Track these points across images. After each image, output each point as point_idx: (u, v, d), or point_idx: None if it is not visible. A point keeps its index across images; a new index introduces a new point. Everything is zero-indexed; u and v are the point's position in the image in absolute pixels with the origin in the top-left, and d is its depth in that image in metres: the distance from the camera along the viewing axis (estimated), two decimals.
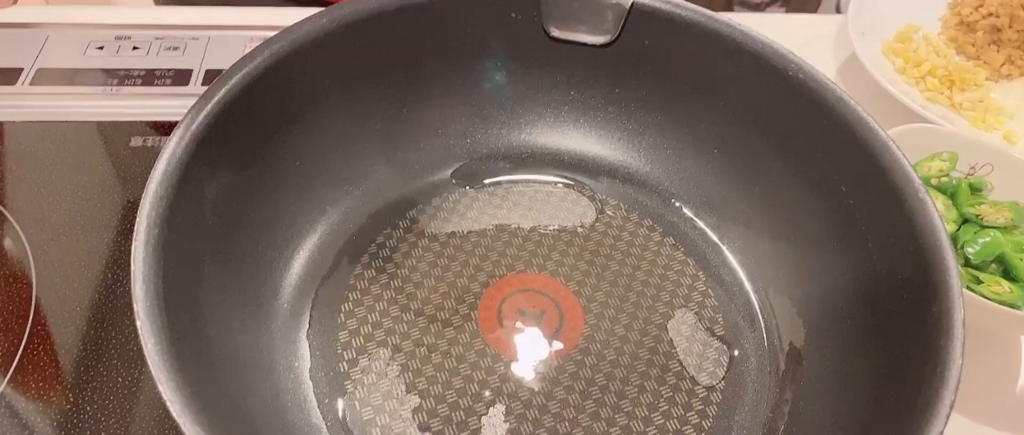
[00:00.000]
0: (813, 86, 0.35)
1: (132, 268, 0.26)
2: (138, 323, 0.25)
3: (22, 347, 0.36)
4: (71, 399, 0.35)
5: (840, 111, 0.35)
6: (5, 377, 0.35)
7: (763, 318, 0.38)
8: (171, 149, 0.29)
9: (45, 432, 0.34)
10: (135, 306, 0.25)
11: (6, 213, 0.41)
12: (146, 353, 0.24)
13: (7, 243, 0.40)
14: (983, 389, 0.40)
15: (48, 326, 0.37)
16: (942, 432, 0.26)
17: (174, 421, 0.23)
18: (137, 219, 0.27)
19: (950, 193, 0.43)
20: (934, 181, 0.43)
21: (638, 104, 0.42)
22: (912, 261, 0.31)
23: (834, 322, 0.35)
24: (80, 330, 0.37)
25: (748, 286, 0.39)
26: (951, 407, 0.26)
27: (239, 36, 0.53)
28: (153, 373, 0.24)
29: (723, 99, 0.39)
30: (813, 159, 0.37)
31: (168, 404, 0.23)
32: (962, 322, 0.28)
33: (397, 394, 0.34)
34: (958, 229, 0.41)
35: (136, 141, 0.46)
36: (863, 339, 0.33)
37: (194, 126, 0.30)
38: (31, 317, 0.37)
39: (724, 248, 0.41)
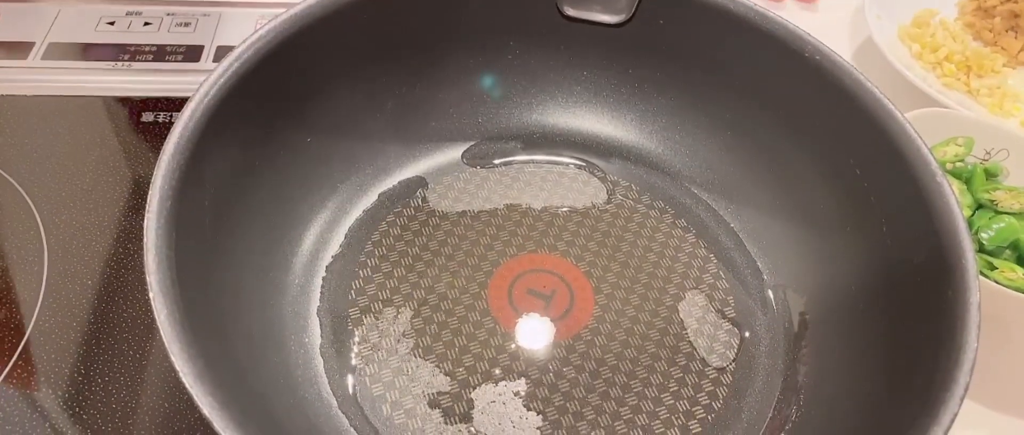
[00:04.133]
0: (830, 68, 0.35)
1: (145, 240, 0.26)
2: (150, 294, 0.25)
3: (33, 320, 0.36)
4: (82, 371, 0.35)
5: (857, 94, 0.34)
6: (17, 349, 0.35)
7: (774, 300, 0.38)
8: (183, 123, 0.29)
9: (57, 404, 0.34)
10: (148, 278, 0.25)
11: (17, 186, 0.41)
12: (159, 324, 0.24)
13: (19, 217, 0.40)
14: (996, 375, 0.40)
15: (60, 299, 0.37)
16: (956, 415, 0.25)
17: (184, 393, 0.23)
18: (150, 192, 0.27)
19: (965, 178, 0.42)
20: (949, 166, 0.43)
21: (651, 85, 0.42)
22: (928, 245, 0.31)
23: (847, 305, 0.35)
24: (91, 303, 0.37)
25: (760, 268, 0.39)
26: (965, 390, 0.26)
27: (250, 13, 0.53)
28: (165, 344, 0.24)
29: (738, 81, 0.39)
30: (828, 142, 0.36)
31: (180, 375, 0.23)
32: (978, 306, 0.28)
33: (407, 371, 0.34)
34: (973, 214, 0.41)
35: (147, 116, 0.46)
36: (876, 322, 0.32)
37: (206, 100, 0.30)
38: (42, 290, 0.37)
39: (736, 230, 0.41)
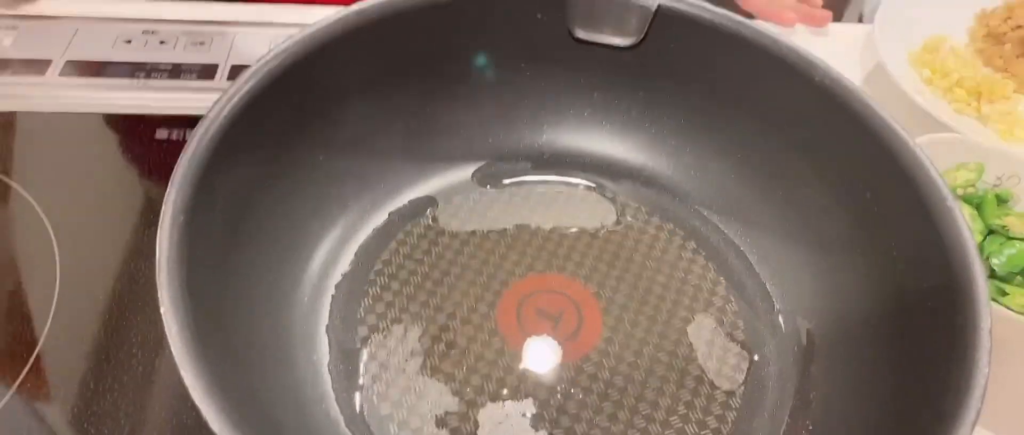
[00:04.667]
0: (840, 92, 0.35)
1: (157, 255, 0.26)
2: (162, 309, 0.25)
3: (45, 333, 0.37)
4: (92, 386, 0.35)
5: (867, 118, 0.34)
6: (28, 362, 0.36)
7: (784, 324, 0.38)
8: (197, 140, 0.29)
9: (66, 416, 0.34)
10: (160, 292, 0.25)
11: (32, 201, 0.42)
12: (169, 339, 0.24)
13: (33, 232, 0.41)
14: (1005, 402, 0.39)
15: (71, 314, 0.37)
16: None
17: (192, 408, 0.23)
18: (163, 207, 0.27)
19: (976, 204, 0.42)
20: (960, 191, 0.43)
21: (661, 107, 0.42)
22: (938, 270, 0.30)
23: (857, 329, 0.35)
24: (102, 318, 0.37)
25: (769, 291, 0.39)
26: (977, 416, 0.26)
27: (264, 32, 0.53)
28: (176, 359, 0.24)
29: (748, 104, 0.39)
30: (839, 166, 0.36)
31: (190, 390, 0.23)
32: (989, 331, 0.28)
33: (415, 390, 0.34)
34: (984, 240, 0.41)
35: (161, 133, 0.46)
36: (887, 347, 0.32)
37: (220, 118, 0.30)
38: (54, 304, 0.38)
39: (746, 253, 0.41)
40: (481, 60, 0.41)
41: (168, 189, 0.28)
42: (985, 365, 0.27)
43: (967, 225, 0.31)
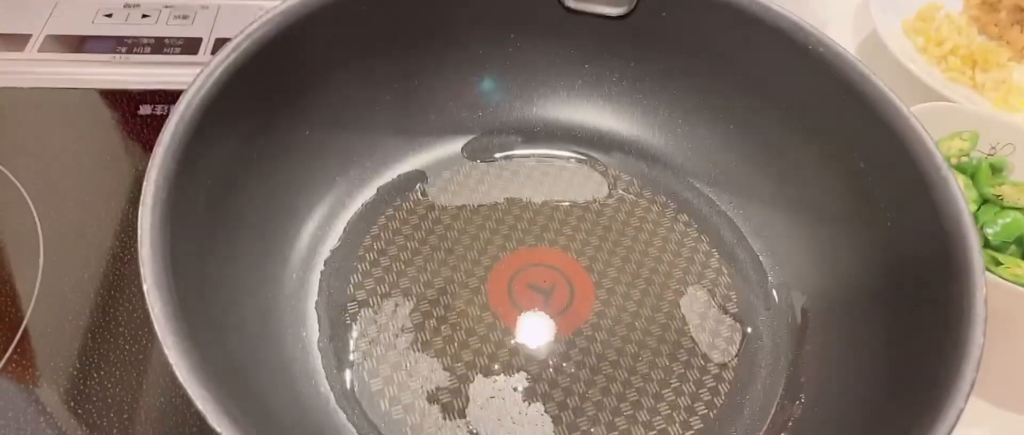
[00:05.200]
0: (834, 61, 0.35)
1: (139, 232, 0.25)
2: (145, 287, 0.24)
3: (29, 314, 0.36)
4: (78, 366, 0.35)
5: (862, 87, 0.34)
6: (11, 345, 0.35)
7: (777, 296, 0.38)
8: (179, 114, 0.29)
9: (52, 399, 0.34)
10: (142, 270, 0.25)
11: (13, 179, 0.41)
12: (153, 317, 0.24)
13: (15, 210, 0.40)
14: (998, 371, 0.39)
15: (56, 293, 0.37)
16: (962, 411, 0.25)
17: (181, 388, 0.22)
18: (144, 183, 0.27)
19: (970, 173, 0.42)
20: (954, 160, 0.42)
21: (654, 78, 0.41)
22: (933, 239, 0.30)
23: (850, 301, 0.34)
24: (88, 297, 0.37)
25: (763, 263, 0.39)
26: (972, 386, 0.25)
27: (248, 5, 0.52)
28: (160, 337, 0.23)
29: (741, 74, 0.38)
30: (832, 135, 0.36)
31: (174, 368, 0.23)
32: (984, 301, 0.28)
33: (406, 366, 0.34)
34: (978, 209, 0.41)
35: (145, 109, 0.46)
36: (881, 318, 0.32)
37: (203, 91, 0.30)
38: (38, 283, 0.37)
39: (739, 225, 0.40)
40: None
41: (149, 164, 0.27)
42: (980, 335, 0.27)
43: (962, 194, 0.30)
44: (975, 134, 0.43)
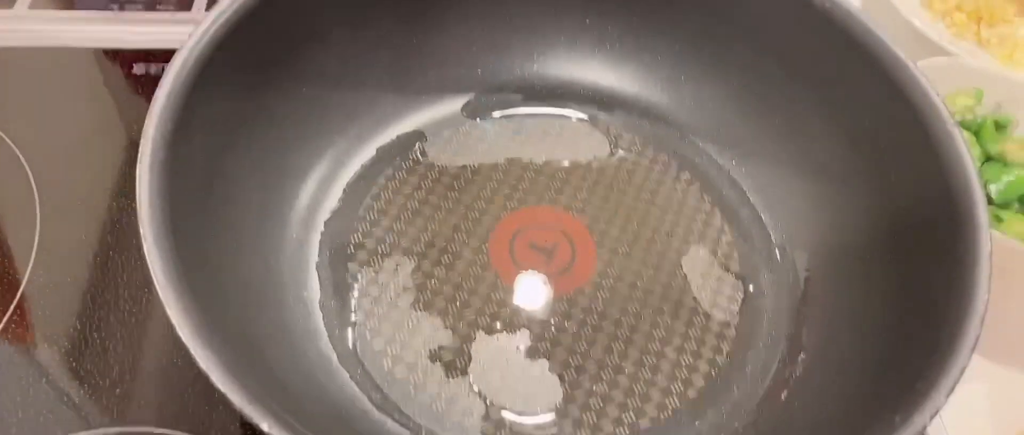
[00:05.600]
0: (839, 16, 0.34)
1: (138, 191, 0.25)
2: (145, 246, 0.24)
3: (27, 276, 0.36)
4: (78, 327, 0.35)
5: (867, 41, 0.33)
6: (9, 307, 0.35)
7: (779, 254, 0.38)
8: (176, 70, 0.28)
9: (52, 361, 0.34)
10: (141, 229, 0.24)
11: (8, 140, 0.40)
12: (153, 276, 0.23)
13: (9, 171, 0.39)
14: (997, 328, 0.39)
15: (54, 254, 0.37)
16: (965, 368, 0.25)
17: (183, 348, 0.22)
18: (142, 141, 0.26)
19: (974, 130, 0.42)
20: (958, 117, 0.42)
21: (656, 35, 0.41)
22: (938, 195, 0.30)
23: (853, 258, 0.34)
24: (86, 258, 0.37)
25: (765, 221, 0.39)
26: (976, 342, 0.26)
27: None
28: (161, 298, 0.23)
29: (744, 30, 0.38)
30: (836, 91, 0.36)
31: (177, 329, 0.23)
32: (989, 256, 0.27)
33: (408, 325, 0.34)
34: (982, 167, 0.40)
35: (139, 68, 0.45)
36: (884, 275, 0.32)
37: (199, 47, 0.29)
38: (36, 245, 0.37)
39: (741, 183, 0.40)
40: None
41: (146, 122, 0.27)
42: (984, 291, 0.27)
43: (968, 149, 0.30)
44: (980, 91, 0.42)
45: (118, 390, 0.33)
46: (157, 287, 0.23)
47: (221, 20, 0.30)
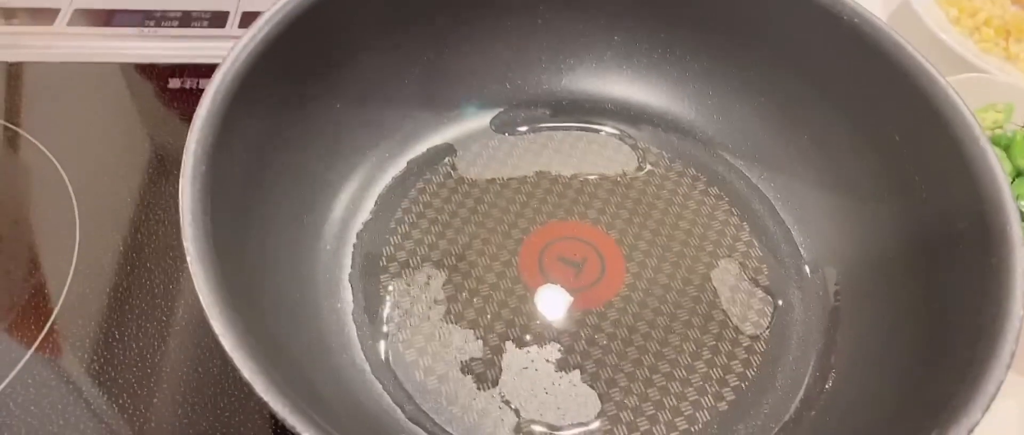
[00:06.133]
0: (869, 32, 0.34)
1: (181, 204, 0.26)
2: (188, 259, 0.24)
3: (66, 288, 0.36)
4: (117, 336, 0.35)
5: (897, 58, 0.33)
6: (50, 318, 0.36)
7: (809, 269, 0.38)
8: (215, 87, 0.29)
9: (88, 372, 0.34)
10: (185, 244, 0.25)
11: (49, 154, 0.41)
12: (198, 289, 0.24)
13: (51, 184, 0.40)
14: None
15: (91, 267, 0.37)
16: (1001, 384, 0.25)
17: (215, 357, 0.23)
18: (184, 157, 0.27)
19: (1004, 145, 0.42)
20: (988, 133, 0.42)
21: (684, 50, 0.41)
22: (970, 211, 0.30)
23: (884, 273, 0.34)
24: (122, 270, 0.37)
25: (794, 236, 0.39)
26: (1011, 359, 0.25)
27: None
28: (205, 309, 0.23)
29: (773, 45, 0.38)
30: (866, 107, 0.36)
31: (220, 339, 0.23)
32: (1023, 273, 0.27)
33: (440, 337, 0.34)
34: (1012, 182, 0.40)
35: (174, 83, 0.46)
36: (916, 292, 0.32)
37: (238, 64, 0.30)
38: (75, 257, 0.38)
39: (770, 198, 0.40)
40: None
41: (188, 137, 0.27)
42: (1020, 307, 0.26)
43: (1000, 165, 0.30)
44: (1010, 106, 0.42)
45: (156, 399, 0.33)
46: (202, 299, 0.24)
47: (259, 37, 0.31)
